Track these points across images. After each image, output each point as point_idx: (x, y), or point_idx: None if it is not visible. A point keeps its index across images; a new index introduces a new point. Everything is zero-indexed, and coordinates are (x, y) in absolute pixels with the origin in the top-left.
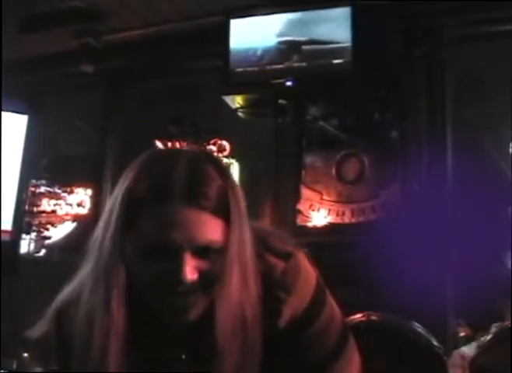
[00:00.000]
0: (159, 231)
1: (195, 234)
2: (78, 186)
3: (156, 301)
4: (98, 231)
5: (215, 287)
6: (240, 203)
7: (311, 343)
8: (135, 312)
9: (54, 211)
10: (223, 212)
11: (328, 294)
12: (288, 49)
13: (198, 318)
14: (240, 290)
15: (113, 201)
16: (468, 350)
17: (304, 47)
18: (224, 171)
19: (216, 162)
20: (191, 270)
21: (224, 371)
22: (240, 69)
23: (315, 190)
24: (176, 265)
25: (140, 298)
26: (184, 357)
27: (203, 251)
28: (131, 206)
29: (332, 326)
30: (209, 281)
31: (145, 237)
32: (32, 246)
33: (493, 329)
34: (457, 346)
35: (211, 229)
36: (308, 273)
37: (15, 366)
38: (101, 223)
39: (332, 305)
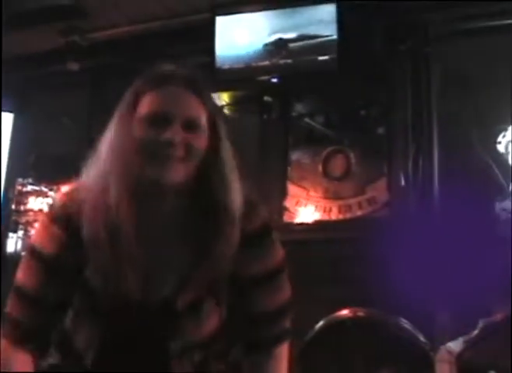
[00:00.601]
0: (157, 103)
1: (186, 108)
2: (65, 185)
3: (151, 163)
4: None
5: (194, 157)
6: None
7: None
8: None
9: (41, 210)
10: (211, 108)
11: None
12: (273, 46)
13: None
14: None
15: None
16: (455, 345)
17: (290, 44)
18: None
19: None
20: (178, 137)
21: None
22: (226, 66)
23: (302, 187)
24: (169, 130)
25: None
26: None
27: (190, 125)
28: (137, 93)
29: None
30: (190, 151)
31: (147, 109)
32: (19, 245)
33: (480, 324)
34: (444, 341)
35: (198, 109)
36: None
37: None
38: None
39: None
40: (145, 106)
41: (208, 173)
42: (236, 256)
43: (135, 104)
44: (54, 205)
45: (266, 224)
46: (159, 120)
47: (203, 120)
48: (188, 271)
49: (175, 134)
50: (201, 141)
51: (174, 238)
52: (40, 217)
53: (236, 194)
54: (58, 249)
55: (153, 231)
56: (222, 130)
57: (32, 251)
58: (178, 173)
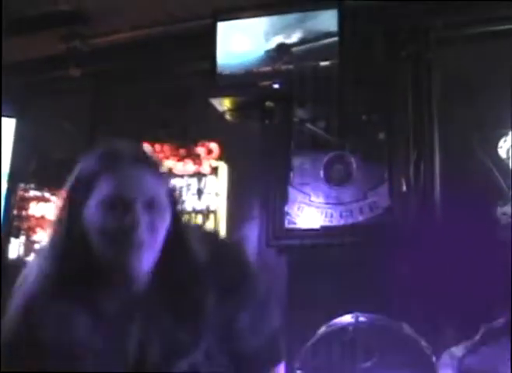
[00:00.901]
0: (113, 186)
1: (145, 188)
2: None
3: (111, 256)
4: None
5: (158, 241)
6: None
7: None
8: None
9: (43, 215)
10: (163, 180)
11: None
12: (275, 52)
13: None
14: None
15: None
16: (457, 350)
17: (291, 50)
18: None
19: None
20: (142, 220)
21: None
22: (228, 72)
23: (303, 192)
24: (129, 214)
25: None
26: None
27: (149, 205)
28: (87, 176)
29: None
30: (156, 234)
31: (102, 193)
32: (21, 250)
33: (482, 329)
34: (446, 346)
35: (156, 187)
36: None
37: None
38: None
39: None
40: (100, 190)
41: (171, 255)
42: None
43: (87, 188)
44: None
45: (245, 271)
46: (117, 204)
47: (163, 196)
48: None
49: (137, 217)
50: (164, 221)
51: (137, 327)
52: None
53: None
54: None
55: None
56: (178, 204)
57: None
58: (145, 262)
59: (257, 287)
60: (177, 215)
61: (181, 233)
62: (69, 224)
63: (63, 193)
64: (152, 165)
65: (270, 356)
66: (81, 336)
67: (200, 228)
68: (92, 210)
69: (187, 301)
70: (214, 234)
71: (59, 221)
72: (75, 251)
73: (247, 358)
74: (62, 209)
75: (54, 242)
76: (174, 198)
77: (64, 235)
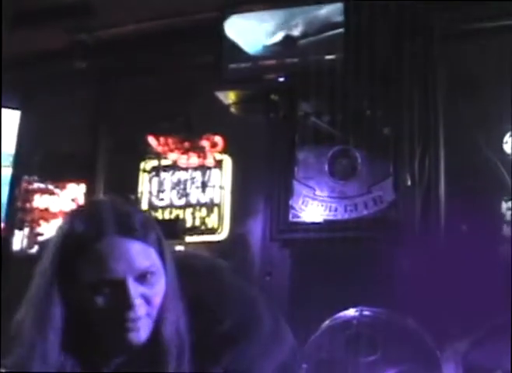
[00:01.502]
0: (100, 266)
1: (133, 261)
2: (71, 182)
3: (106, 330)
4: (36, 280)
5: (155, 309)
6: (160, 232)
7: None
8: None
9: (46, 207)
10: (151, 240)
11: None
12: (280, 45)
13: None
14: (176, 309)
15: (46, 254)
16: (461, 345)
17: (297, 44)
18: (138, 207)
19: (130, 202)
20: (136, 296)
21: None
22: (233, 65)
23: (308, 186)
24: (122, 293)
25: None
26: None
27: (142, 277)
28: (67, 252)
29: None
30: (152, 306)
31: (88, 275)
32: (25, 243)
33: (486, 324)
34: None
35: (146, 256)
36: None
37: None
38: (36, 275)
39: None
40: (84, 273)
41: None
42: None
43: (67, 274)
44: None
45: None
46: (107, 287)
47: (155, 263)
48: None
49: (131, 295)
50: (160, 289)
51: None
52: None
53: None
54: None
55: None
56: (169, 265)
57: None
58: (143, 333)
59: (263, 327)
60: (168, 269)
61: (172, 293)
62: (51, 305)
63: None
64: (137, 231)
65: None
66: None
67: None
68: (78, 294)
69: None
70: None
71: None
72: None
73: None
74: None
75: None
76: (163, 251)
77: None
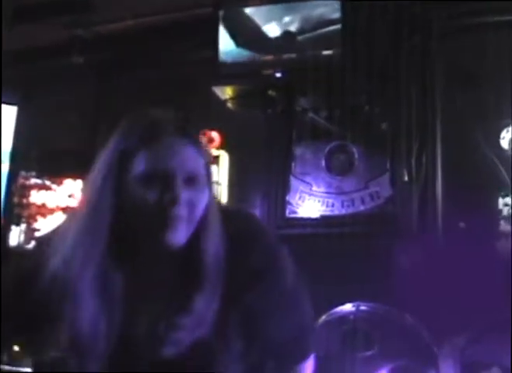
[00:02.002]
0: (156, 160)
1: (186, 162)
2: (68, 178)
3: (149, 227)
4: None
5: (197, 216)
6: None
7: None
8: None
9: (43, 203)
10: (203, 153)
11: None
12: (277, 40)
13: (184, 248)
14: (216, 228)
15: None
16: (458, 341)
17: (294, 39)
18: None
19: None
20: (181, 195)
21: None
22: (230, 60)
23: (305, 182)
24: (170, 189)
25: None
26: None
27: (190, 180)
28: (128, 144)
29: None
30: (194, 210)
31: (143, 167)
32: (21, 238)
33: (484, 320)
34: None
35: (197, 162)
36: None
37: (6, 359)
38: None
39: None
40: (139, 165)
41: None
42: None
43: (124, 164)
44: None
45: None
46: (158, 178)
47: (203, 172)
48: (174, 330)
49: (178, 192)
50: (203, 197)
51: (159, 296)
52: None
53: (221, 249)
54: None
55: (141, 289)
56: (211, 180)
57: None
58: (182, 235)
59: (285, 275)
60: (212, 192)
61: (215, 213)
62: (103, 198)
63: (97, 165)
64: (193, 137)
65: (297, 351)
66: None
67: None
68: (129, 185)
69: (212, 279)
70: (243, 219)
71: (92, 196)
72: (109, 225)
73: (274, 353)
74: (95, 185)
75: (87, 216)
76: (210, 174)
77: (96, 210)
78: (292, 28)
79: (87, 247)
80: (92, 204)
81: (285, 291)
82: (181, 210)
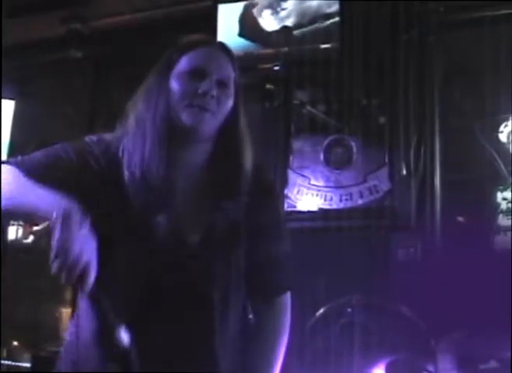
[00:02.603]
0: (195, 61)
1: (219, 67)
2: None
3: (188, 112)
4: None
5: (222, 113)
6: None
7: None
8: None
9: None
10: (237, 71)
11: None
12: (275, 34)
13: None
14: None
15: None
16: (454, 335)
17: (292, 32)
18: None
19: None
20: (212, 90)
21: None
22: None
23: (303, 175)
24: (205, 83)
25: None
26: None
27: (222, 83)
28: (173, 55)
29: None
30: (221, 106)
31: (186, 65)
32: (20, 233)
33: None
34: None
35: (230, 70)
36: None
37: (5, 354)
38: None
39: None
40: (183, 63)
41: (229, 130)
42: (247, 207)
43: (172, 63)
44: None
45: (272, 183)
46: (197, 74)
47: (232, 80)
48: (211, 216)
49: (211, 87)
50: (229, 99)
51: (198, 186)
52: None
53: (249, 153)
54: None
55: (181, 178)
56: (241, 94)
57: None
58: (210, 124)
59: (280, 209)
60: (237, 105)
61: (238, 122)
62: (157, 93)
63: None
64: (230, 52)
65: (280, 282)
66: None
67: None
68: (174, 78)
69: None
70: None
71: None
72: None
73: (261, 283)
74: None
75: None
76: (238, 87)
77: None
78: (290, 22)
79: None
80: (153, 96)
81: (280, 218)
82: (211, 104)
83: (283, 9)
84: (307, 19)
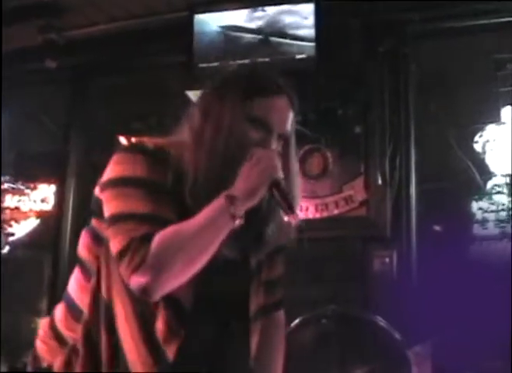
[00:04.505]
0: (267, 112)
1: (286, 122)
2: (42, 183)
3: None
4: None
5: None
6: None
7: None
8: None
9: (17, 208)
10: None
11: None
12: (251, 44)
13: None
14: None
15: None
16: (431, 345)
17: (267, 43)
18: None
19: None
20: (274, 145)
21: None
22: (204, 64)
23: None
24: (269, 139)
25: None
26: None
27: (281, 137)
28: (246, 95)
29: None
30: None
31: (256, 114)
32: None
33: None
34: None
35: (291, 124)
36: None
37: None
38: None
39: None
40: (254, 109)
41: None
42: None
43: (243, 103)
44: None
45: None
46: (263, 126)
47: (291, 132)
48: (260, 237)
49: (271, 143)
50: (285, 151)
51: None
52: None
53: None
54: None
55: None
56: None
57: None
58: None
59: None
60: (290, 147)
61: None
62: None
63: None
64: (295, 104)
65: (280, 296)
66: None
67: None
68: (241, 121)
69: None
70: None
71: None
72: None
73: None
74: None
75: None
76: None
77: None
78: (266, 32)
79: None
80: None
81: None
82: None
83: (259, 20)
84: (283, 29)
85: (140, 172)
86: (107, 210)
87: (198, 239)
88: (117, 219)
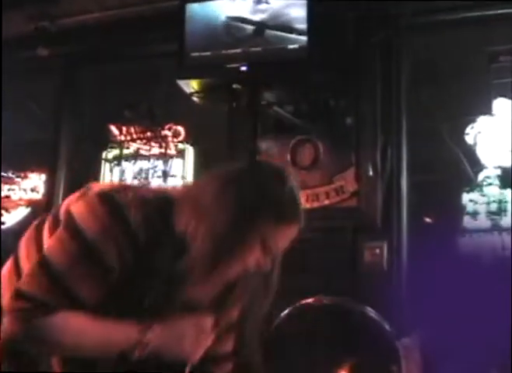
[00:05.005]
0: (276, 241)
1: (287, 242)
2: (32, 172)
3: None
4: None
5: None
6: None
7: None
8: None
9: (7, 197)
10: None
11: None
12: (243, 34)
13: None
14: None
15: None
16: (421, 336)
17: (260, 32)
18: None
19: None
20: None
21: None
22: (195, 53)
23: None
24: (270, 262)
25: None
26: None
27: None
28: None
29: None
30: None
31: (265, 240)
32: None
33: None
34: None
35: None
36: None
37: None
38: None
39: None
40: (263, 234)
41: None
42: None
43: (259, 225)
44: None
45: None
46: (267, 251)
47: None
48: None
49: (272, 266)
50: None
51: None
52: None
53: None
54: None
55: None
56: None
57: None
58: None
59: None
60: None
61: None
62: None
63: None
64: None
65: None
66: None
67: None
68: (251, 239)
69: None
70: None
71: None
72: None
73: None
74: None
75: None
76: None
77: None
78: (258, 22)
79: None
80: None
81: None
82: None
83: (251, 9)
84: (275, 19)
85: (95, 230)
86: (47, 244)
87: (93, 348)
88: (43, 266)
